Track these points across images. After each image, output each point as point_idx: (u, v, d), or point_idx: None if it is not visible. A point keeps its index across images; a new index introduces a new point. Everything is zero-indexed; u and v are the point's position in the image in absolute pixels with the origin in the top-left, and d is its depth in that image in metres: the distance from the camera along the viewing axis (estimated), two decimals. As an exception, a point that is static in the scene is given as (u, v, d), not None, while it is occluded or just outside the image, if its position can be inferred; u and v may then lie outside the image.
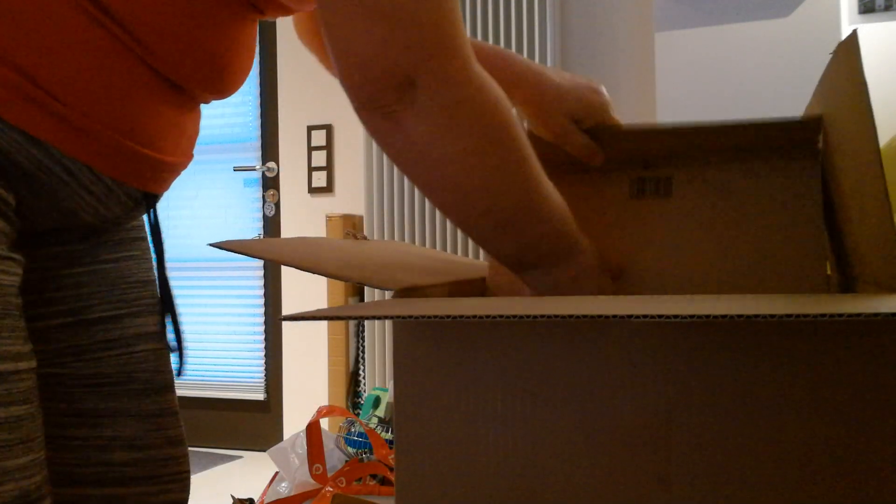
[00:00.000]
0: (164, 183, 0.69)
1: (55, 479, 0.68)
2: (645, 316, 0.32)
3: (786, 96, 2.30)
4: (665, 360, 0.46)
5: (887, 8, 2.35)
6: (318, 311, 0.38)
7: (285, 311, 3.25)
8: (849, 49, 0.55)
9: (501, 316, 0.35)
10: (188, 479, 0.76)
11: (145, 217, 0.75)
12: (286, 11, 0.69)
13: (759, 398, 0.45)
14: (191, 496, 0.77)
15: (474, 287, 0.74)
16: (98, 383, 0.69)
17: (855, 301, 0.39)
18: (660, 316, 0.32)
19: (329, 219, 2.91)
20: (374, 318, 0.36)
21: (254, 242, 0.60)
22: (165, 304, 0.74)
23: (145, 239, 0.77)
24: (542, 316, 0.34)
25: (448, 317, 0.35)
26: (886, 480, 0.43)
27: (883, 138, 1.68)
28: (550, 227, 0.61)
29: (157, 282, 0.76)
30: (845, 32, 2.35)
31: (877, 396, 0.44)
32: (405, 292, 0.59)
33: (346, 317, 0.36)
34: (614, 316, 0.32)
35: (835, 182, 0.66)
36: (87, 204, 0.63)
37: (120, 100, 0.60)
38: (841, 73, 0.59)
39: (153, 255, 0.77)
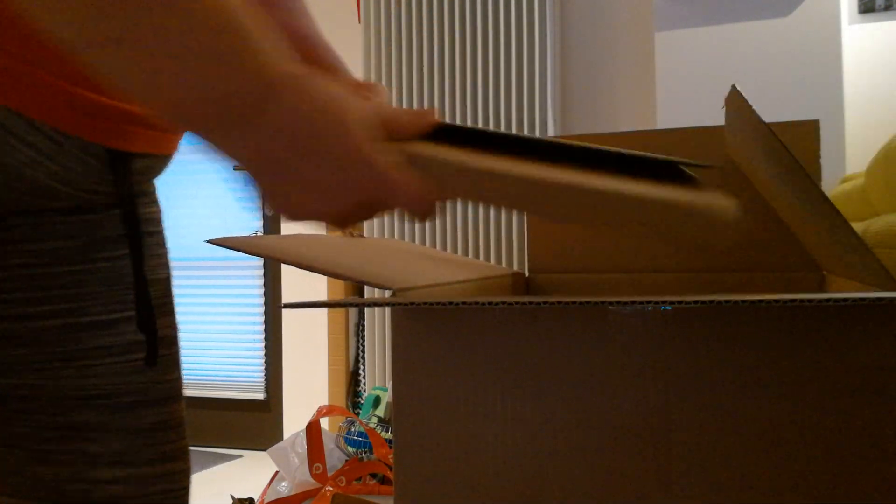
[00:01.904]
0: (134, 138, 0.59)
1: (44, 494, 0.64)
2: (647, 302, 0.32)
3: (785, 96, 2.30)
4: (665, 357, 0.46)
5: (887, 8, 2.35)
6: (318, 301, 0.38)
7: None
8: (736, 98, 0.58)
9: (503, 303, 0.35)
10: (185, 495, 0.70)
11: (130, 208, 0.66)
12: None
13: (759, 395, 0.45)
14: (191, 496, 0.73)
15: (473, 287, 0.74)
16: (88, 395, 0.64)
17: (854, 291, 0.39)
18: (661, 302, 0.32)
19: (329, 219, 2.91)
20: (373, 305, 0.36)
21: (252, 240, 0.59)
22: (143, 303, 0.66)
23: (152, 234, 0.69)
24: (543, 303, 0.34)
25: (449, 303, 0.35)
26: (889, 479, 0.43)
27: (883, 138, 1.68)
28: (227, 53, 0.40)
29: (162, 280, 0.69)
30: (845, 32, 2.35)
31: (880, 391, 0.43)
32: (404, 291, 0.59)
33: (345, 304, 0.36)
34: (615, 302, 0.32)
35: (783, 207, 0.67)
36: (28, 158, 0.55)
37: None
38: (740, 118, 0.61)
39: (167, 250, 0.70)
